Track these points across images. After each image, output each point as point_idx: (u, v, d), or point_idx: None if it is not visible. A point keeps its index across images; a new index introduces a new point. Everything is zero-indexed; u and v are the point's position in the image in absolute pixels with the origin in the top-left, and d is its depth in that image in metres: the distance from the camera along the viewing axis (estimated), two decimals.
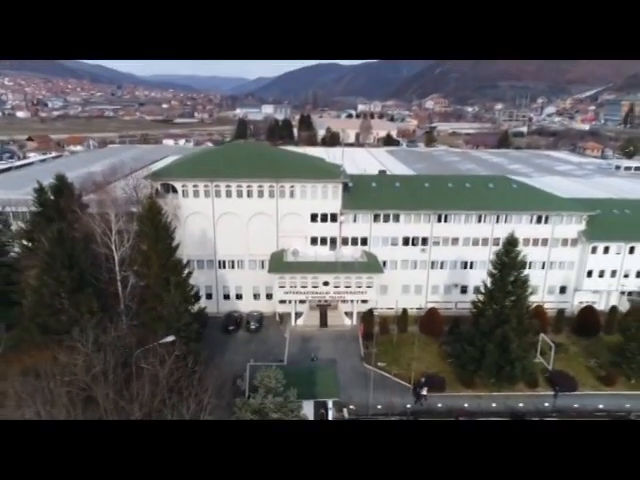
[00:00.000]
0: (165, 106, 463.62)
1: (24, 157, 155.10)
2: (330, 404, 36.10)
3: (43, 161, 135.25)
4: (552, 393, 39.66)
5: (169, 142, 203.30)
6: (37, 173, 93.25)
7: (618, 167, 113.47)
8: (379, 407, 38.45)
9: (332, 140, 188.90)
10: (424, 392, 39.51)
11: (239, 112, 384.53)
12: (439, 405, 39.18)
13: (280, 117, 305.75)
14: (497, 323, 38.59)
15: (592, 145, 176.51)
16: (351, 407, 38.12)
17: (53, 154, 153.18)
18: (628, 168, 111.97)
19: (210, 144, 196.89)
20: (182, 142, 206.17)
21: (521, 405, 38.93)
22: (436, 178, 63.76)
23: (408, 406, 38.82)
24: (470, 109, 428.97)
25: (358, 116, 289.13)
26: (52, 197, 52.05)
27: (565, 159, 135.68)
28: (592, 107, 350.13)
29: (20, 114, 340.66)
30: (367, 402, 38.25)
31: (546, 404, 38.75)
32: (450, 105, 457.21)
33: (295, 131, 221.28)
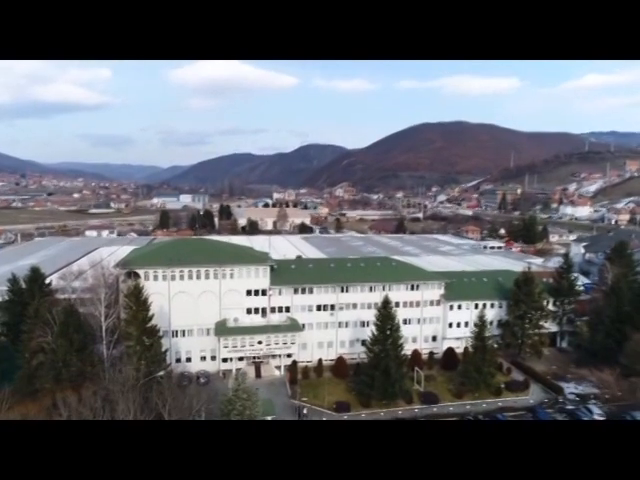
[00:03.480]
0: (76, 195, 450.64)
1: None
2: None
3: None
4: (421, 406, 57.15)
5: (92, 233, 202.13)
6: None
7: (485, 247, 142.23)
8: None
9: (252, 228, 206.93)
10: (305, 411, 55.13)
11: (156, 201, 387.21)
12: (345, 418, 55.05)
13: (198, 206, 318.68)
14: (381, 357, 56.29)
15: (472, 228, 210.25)
16: None
17: None
18: (492, 247, 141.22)
19: (134, 234, 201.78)
20: (105, 233, 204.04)
21: (400, 413, 55.98)
22: (339, 260, 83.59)
23: (324, 419, 54.26)
24: (375, 196, 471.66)
25: (274, 205, 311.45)
26: (24, 285, 64.18)
27: (448, 241, 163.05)
28: (475, 195, 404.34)
29: None
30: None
31: (416, 410, 56.08)
32: (358, 193, 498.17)
33: (216, 220, 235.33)
